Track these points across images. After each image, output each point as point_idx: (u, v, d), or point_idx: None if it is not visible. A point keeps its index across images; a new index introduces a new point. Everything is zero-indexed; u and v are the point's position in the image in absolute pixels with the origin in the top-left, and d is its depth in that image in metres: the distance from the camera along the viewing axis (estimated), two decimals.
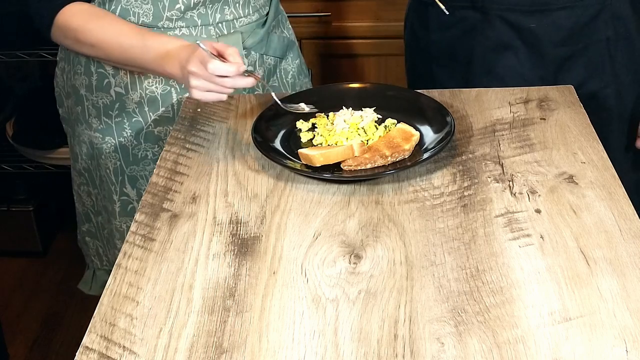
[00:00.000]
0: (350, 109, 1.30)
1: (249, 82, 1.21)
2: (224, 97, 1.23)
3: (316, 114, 1.30)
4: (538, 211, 1.08)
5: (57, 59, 1.58)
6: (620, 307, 0.92)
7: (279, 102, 1.28)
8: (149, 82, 1.44)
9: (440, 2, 1.44)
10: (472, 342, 0.88)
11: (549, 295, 0.94)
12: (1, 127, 2.50)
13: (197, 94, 1.22)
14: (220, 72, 1.18)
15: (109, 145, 1.49)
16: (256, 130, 1.25)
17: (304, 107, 1.29)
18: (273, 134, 1.26)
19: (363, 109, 1.30)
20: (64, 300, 2.38)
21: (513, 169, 1.18)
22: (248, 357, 0.88)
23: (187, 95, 1.45)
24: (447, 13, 1.45)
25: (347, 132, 1.25)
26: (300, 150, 1.21)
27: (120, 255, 1.04)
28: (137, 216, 1.12)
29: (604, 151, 1.21)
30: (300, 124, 1.28)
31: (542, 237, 1.04)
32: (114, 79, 1.44)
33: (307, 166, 1.18)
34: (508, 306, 0.93)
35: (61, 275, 2.47)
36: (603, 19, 1.47)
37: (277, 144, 1.25)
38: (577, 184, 1.14)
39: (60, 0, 1.35)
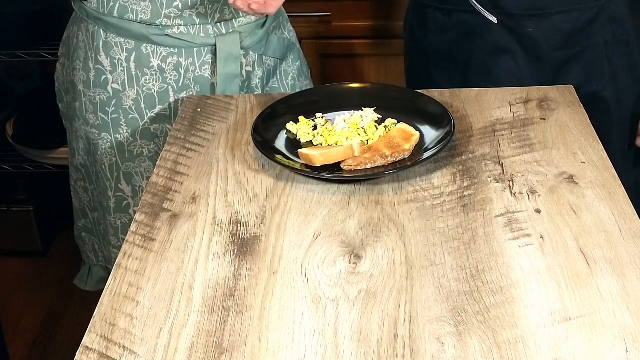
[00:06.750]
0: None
1: None
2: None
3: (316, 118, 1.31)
4: (538, 211, 1.08)
5: (59, 54, 1.59)
6: (620, 307, 0.92)
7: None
8: (145, 80, 1.44)
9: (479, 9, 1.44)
10: (472, 342, 0.88)
11: (549, 295, 0.94)
12: (1, 127, 2.50)
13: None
14: None
15: (105, 141, 1.50)
16: (256, 130, 1.25)
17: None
18: (273, 134, 1.26)
19: (363, 109, 1.30)
20: (64, 300, 2.38)
21: (513, 169, 1.18)
22: (248, 357, 0.88)
23: (184, 94, 1.46)
24: (496, 22, 1.44)
25: (347, 132, 1.25)
26: (300, 150, 1.21)
27: (120, 255, 1.04)
28: (137, 216, 1.12)
29: (604, 151, 1.21)
30: (290, 126, 1.28)
31: (542, 237, 1.04)
32: (111, 75, 1.45)
33: (307, 166, 1.18)
34: (508, 306, 0.93)
35: (61, 275, 2.47)
36: (601, 22, 1.47)
37: (277, 144, 1.25)
38: (577, 184, 1.14)
39: None
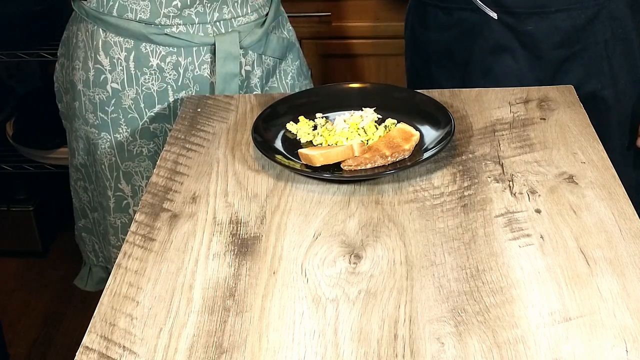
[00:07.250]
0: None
1: None
2: None
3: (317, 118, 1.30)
4: (538, 211, 1.08)
5: (58, 54, 1.59)
6: (620, 307, 0.92)
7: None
8: (145, 79, 1.44)
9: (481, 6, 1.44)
10: (472, 342, 0.88)
11: (549, 295, 0.94)
12: (1, 127, 2.51)
13: None
14: None
15: (104, 140, 1.50)
16: (256, 130, 1.25)
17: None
18: (273, 134, 1.26)
19: (363, 109, 1.30)
20: (64, 300, 2.38)
21: (513, 169, 1.18)
22: (248, 357, 0.88)
23: (183, 94, 1.46)
24: (496, 17, 1.45)
25: (347, 132, 1.25)
26: (300, 150, 1.21)
27: (120, 255, 1.04)
28: (137, 216, 1.12)
29: (604, 151, 1.21)
30: (290, 126, 1.28)
31: (542, 237, 1.04)
32: (110, 74, 1.45)
33: (307, 166, 1.18)
34: (508, 306, 0.93)
35: (61, 275, 2.47)
36: (601, 21, 1.47)
37: (277, 144, 1.25)
38: (577, 184, 1.14)
39: None
